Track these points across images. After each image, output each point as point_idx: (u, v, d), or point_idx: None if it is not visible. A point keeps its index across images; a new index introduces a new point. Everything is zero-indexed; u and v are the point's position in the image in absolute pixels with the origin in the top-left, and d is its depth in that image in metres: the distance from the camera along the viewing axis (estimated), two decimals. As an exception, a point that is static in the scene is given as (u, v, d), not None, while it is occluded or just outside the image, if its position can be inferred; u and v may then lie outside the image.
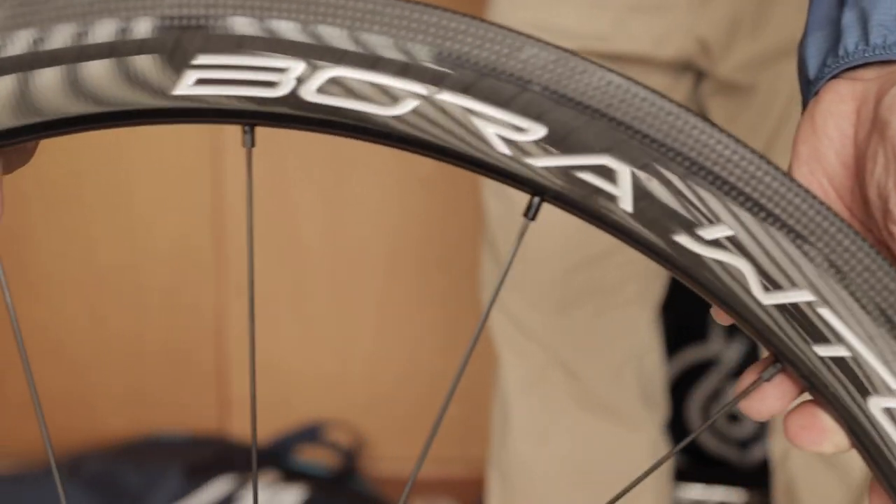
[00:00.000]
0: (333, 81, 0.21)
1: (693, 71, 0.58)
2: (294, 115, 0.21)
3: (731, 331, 0.91)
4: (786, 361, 0.22)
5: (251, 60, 0.21)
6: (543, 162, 0.21)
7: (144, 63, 0.21)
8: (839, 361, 0.21)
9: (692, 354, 0.92)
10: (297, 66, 0.21)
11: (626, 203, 0.21)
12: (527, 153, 0.21)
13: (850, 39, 0.25)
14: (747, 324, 0.22)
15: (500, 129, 0.21)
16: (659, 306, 0.66)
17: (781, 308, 0.21)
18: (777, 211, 0.21)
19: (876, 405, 0.22)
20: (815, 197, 0.21)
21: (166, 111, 0.22)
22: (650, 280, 0.64)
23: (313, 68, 0.21)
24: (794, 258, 0.21)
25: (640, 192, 0.21)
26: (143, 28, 0.21)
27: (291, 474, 0.88)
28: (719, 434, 0.92)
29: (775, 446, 0.64)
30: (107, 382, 0.97)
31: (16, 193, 0.91)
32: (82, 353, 0.96)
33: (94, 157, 0.94)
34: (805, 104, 0.26)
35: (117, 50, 0.21)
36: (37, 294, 0.94)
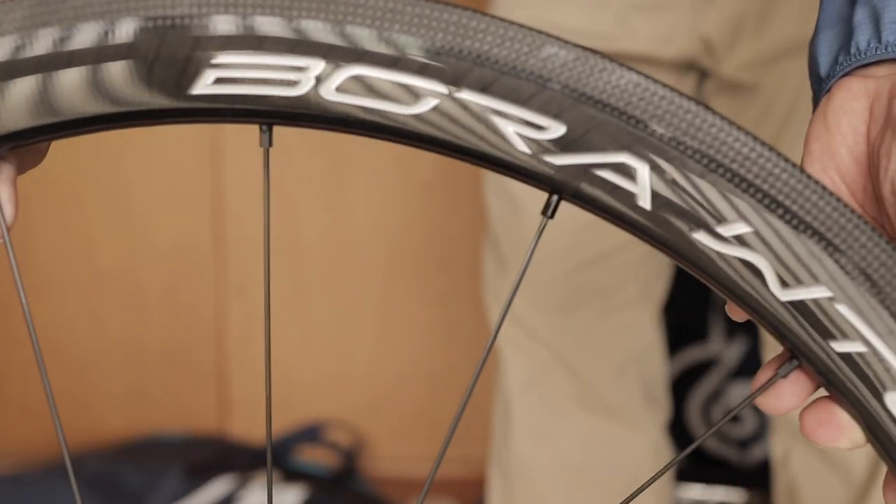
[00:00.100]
0: (353, 80, 0.21)
1: (696, 70, 0.58)
2: (313, 114, 0.21)
3: (731, 331, 0.91)
4: (802, 358, 0.22)
5: (271, 59, 0.21)
6: (562, 160, 0.21)
7: (162, 63, 0.21)
8: (856, 357, 0.22)
9: (692, 354, 0.92)
10: (317, 65, 0.21)
11: (645, 201, 0.21)
12: (546, 151, 0.21)
13: (863, 37, 0.25)
14: (763, 320, 0.22)
15: (519, 127, 0.21)
16: (661, 306, 0.66)
17: (799, 304, 0.22)
18: (794, 208, 0.21)
19: (893, 400, 0.22)
20: (832, 194, 0.21)
21: (184, 111, 0.22)
22: (652, 280, 0.64)
23: (333, 67, 0.21)
24: (812, 254, 0.21)
25: (658, 190, 0.21)
26: (162, 27, 0.21)
27: (291, 474, 0.88)
28: (719, 434, 0.92)
29: (776, 446, 0.64)
30: (106, 382, 0.97)
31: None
32: (82, 353, 0.96)
33: (94, 157, 0.94)
34: (816, 102, 0.26)
35: (136, 50, 0.21)
36: (36, 294, 0.93)
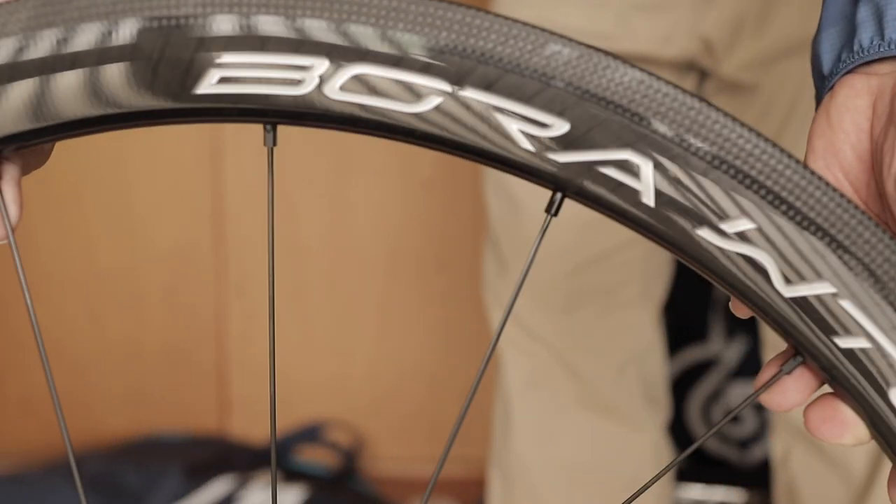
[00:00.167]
0: (356, 79, 0.21)
1: (696, 70, 0.58)
2: (317, 113, 0.21)
3: (731, 331, 0.92)
4: (806, 354, 0.22)
5: (274, 59, 0.21)
6: (566, 157, 0.21)
7: (167, 63, 0.21)
8: (860, 353, 0.22)
9: (692, 354, 0.92)
10: (321, 64, 0.21)
11: (649, 198, 0.21)
12: (550, 149, 0.21)
13: (865, 34, 0.25)
14: (768, 317, 0.22)
15: (523, 125, 0.21)
16: (661, 306, 0.66)
17: (802, 300, 0.22)
18: (798, 204, 0.21)
19: (897, 397, 0.22)
20: (835, 189, 0.21)
21: (188, 111, 0.22)
22: (652, 280, 0.64)
23: (337, 66, 0.21)
24: (816, 250, 0.21)
25: (661, 187, 0.21)
26: (167, 27, 0.21)
27: (291, 474, 0.88)
28: (719, 434, 0.92)
29: (776, 446, 0.64)
30: (107, 382, 0.96)
31: (14, 193, 0.90)
32: (82, 352, 0.96)
33: (95, 157, 0.94)
34: (819, 99, 0.26)
35: (140, 50, 0.21)
36: (37, 294, 0.93)
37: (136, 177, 0.95)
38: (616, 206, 0.22)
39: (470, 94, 0.21)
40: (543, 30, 0.21)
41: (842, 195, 0.21)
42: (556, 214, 0.22)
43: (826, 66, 0.26)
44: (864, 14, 0.25)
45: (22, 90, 0.21)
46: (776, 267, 0.21)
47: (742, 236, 0.21)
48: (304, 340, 0.97)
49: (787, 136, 0.57)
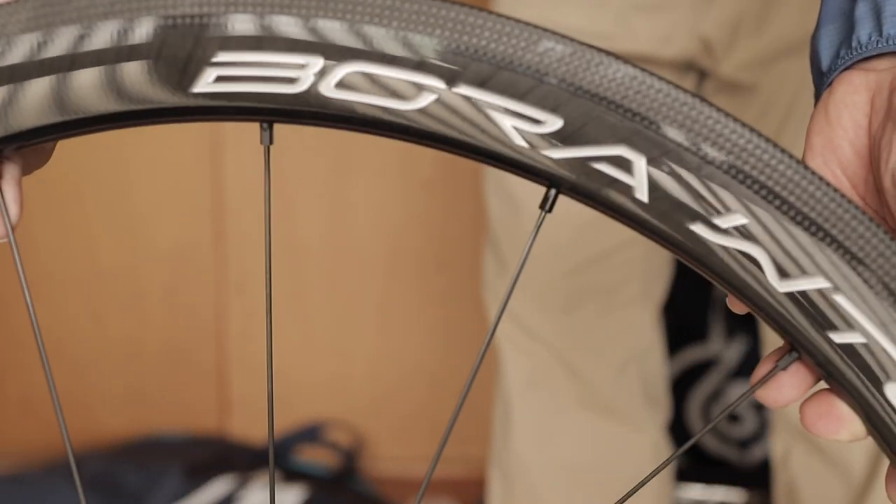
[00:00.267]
0: (351, 77, 0.21)
1: (696, 70, 0.58)
2: (312, 111, 0.22)
3: (731, 331, 0.91)
4: (801, 350, 0.22)
5: (270, 57, 0.21)
6: (560, 153, 0.21)
7: (165, 62, 0.21)
8: (855, 348, 0.22)
9: (692, 354, 0.92)
10: (316, 62, 0.21)
11: (642, 193, 0.21)
12: (543, 145, 0.21)
13: (864, 31, 0.25)
14: (763, 312, 0.22)
15: (516, 121, 0.21)
16: (661, 306, 0.66)
17: (797, 295, 0.22)
18: (791, 199, 0.21)
19: (892, 391, 0.22)
20: (829, 184, 0.21)
21: (186, 109, 0.22)
22: (652, 280, 0.64)
23: (332, 64, 0.21)
24: (809, 245, 0.21)
25: (655, 182, 0.21)
26: (162, 27, 0.21)
27: (291, 474, 0.88)
28: (719, 434, 0.92)
29: (776, 446, 0.64)
30: (106, 382, 0.97)
31: (15, 193, 0.90)
32: (82, 352, 0.96)
33: (94, 156, 0.94)
34: (818, 96, 0.26)
35: (137, 50, 0.21)
36: (37, 293, 0.93)
37: (137, 176, 0.95)
38: (610, 202, 0.22)
39: (464, 91, 0.21)
40: (536, 27, 0.21)
41: (835, 190, 0.21)
42: (550, 211, 0.22)
43: (825, 62, 0.26)
44: (862, 10, 0.25)
45: (36, 89, 0.21)
46: (770, 262, 0.21)
47: (736, 231, 0.21)
48: (304, 340, 0.97)
49: (786, 136, 0.57)
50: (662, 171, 0.21)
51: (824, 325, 0.22)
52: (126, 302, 0.96)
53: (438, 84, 0.21)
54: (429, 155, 0.90)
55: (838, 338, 0.22)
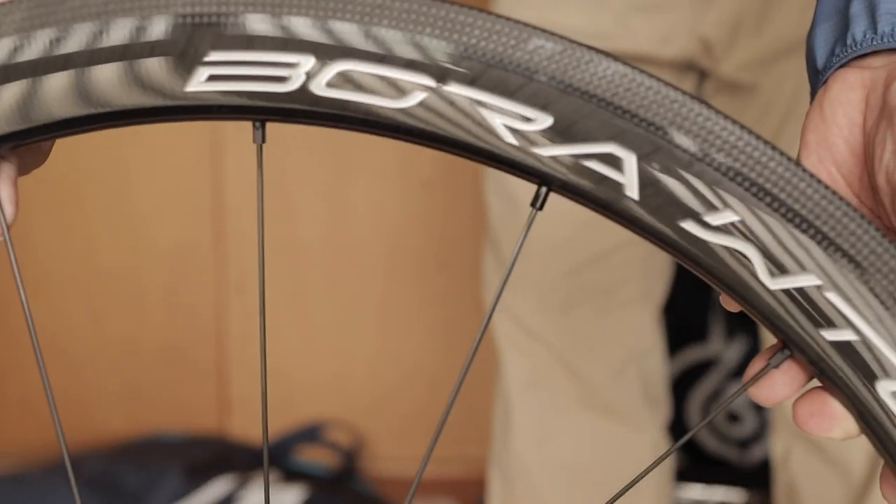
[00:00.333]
0: (342, 75, 0.21)
1: (696, 70, 0.58)
2: (304, 109, 0.22)
3: (731, 331, 0.91)
4: (794, 347, 0.22)
5: (262, 56, 0.21)
6: (550, 151, 0.21)
7: (157, 61, 0.21)
8: (847, 346, 0.22)
9: (692, 354, 0.92)
10: (307, 61, 0.21)
11: (633, 191, 0.21)
12: (534, 143, 0.21)
13: (859, 28, 0.25)
14: (755, 310, 0.22)
15: (507, 119, 0.21)
16: (661, 306, 0.66)
17: (788, 293, 0.22)
18: (783, 195, 0.21)
19: (885, 389, 0.22)
20: (820, 182, 0.21)
21: (179, 108, 0.22)
22: (652, 280, 0.64)
23: (322, 63, 0.21)
24: (801, 242, 0.21)
25: (645, 180, 0.21)
26: (157, 27, 0.21)
27: (291, 474, 0.88)
28: (719, 434, 0.92)
29: (776, 446, 0.64)
30: (106, 382, 0.97)
31: (16, 193, 0.91)
32: (82, 352, 0.96)
33: (94, 156, 0.94)
34: (814, 94, 0.26)
35: (131, 50, 0.21)
36: (36, 293, 0.94)
37: (137, 176, 0.96)
38: (601, 199, 0.22)
39: (454, 89, 0.21)
40: (527, 24, 0.21)
41: (826, 187, 0.21)
42: (541, 208, 0.22)
43: (820, 60, 0.26)
44: (857, 8, 0.25)
45: (14, 90, 0.21)
46: (761, 259, 0.21)
47: (726, 229, 0.21)
48: (304, 340, 0.97)
49: (785, 136, 0.57)
50: (653, 168, 0.21)
51: (816, 322, 0.22)
52: (125, 302, 0.96)
53: (429, 82, 0.21)
54: (429, 155, 0.90)
55: (830, 335, 0.22)
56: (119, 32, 0.21)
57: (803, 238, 0.21)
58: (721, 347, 0.92)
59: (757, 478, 0.87)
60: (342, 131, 0.22)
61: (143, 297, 0.96)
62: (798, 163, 0.21)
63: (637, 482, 0.24)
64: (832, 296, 0.21)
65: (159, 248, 0.96)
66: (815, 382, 0.23)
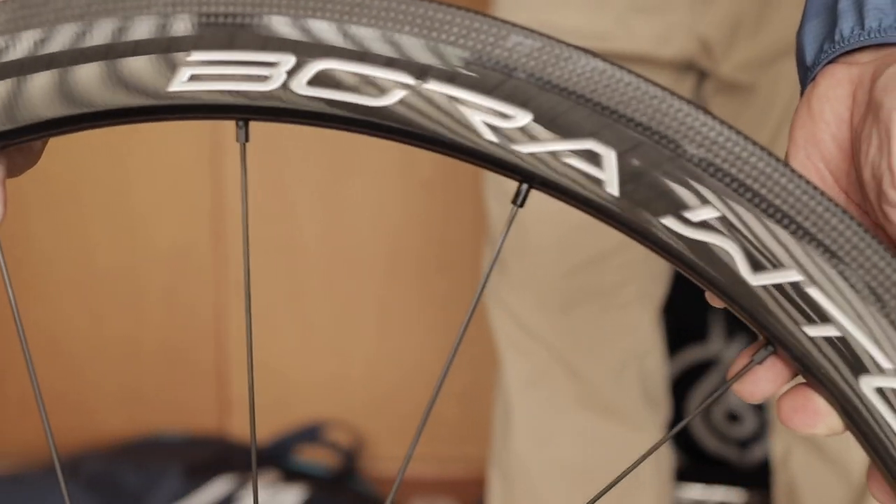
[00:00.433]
0: (322, 74, 0.21)
1: (695, 71, 0.58)
2: (286, 108, 0.22)
3: (731, 331, 0.91)
4: (777, 343, 0.22)
5: (242, 55, 0.21)
6: (530, 148, 0.21)
7: (140, 61, 0.21)
8: (829, 342, 0.22)
9: (692, 354, 0.92)
10: (288, 60, 0.21)
11: (613, 187, 0.21)
12: (513, 140, 0.21)
13: (846, 24, 0.25)
14: (737, 306, 0.22)
15: (486, 116, 0.21)
16: (661, 306, 0.66)
17: (770, 289, 0.21)
18: (763, 191, 0.21)
19: (868, 385, 0.22)
20: (801, 176, 0.21)
21: (162, 108, 0.22)
22: (651, 280, 0.64)
23: (303, 62, 0.21)
24: (781, 238, 0.21)
25: (625, 176, 0.21)
26: (139, 28, 0.21)
27: (291, 474, 0.88)
28: (719, 434, 0.91)
29: (776, 446, 0.63)
30: (105, 382, 0.97)
31: (14, 193, 0.91)
32: (81, 352, 0.97)
33: (94, 156, 0.94)
34: (803, 91, 0.26)
35: (114, 50, 0.21)
36: (35, 293, 0.94)
37: (136, 176, 0.96)
38: (581, 195, 0.22)
39: (433, 86, 0.21)
40: (505, 22, 0.21)
41: (808, 182, 0.21)
42: (522, 205, 0.22)
43: (809, 57, 0.26)
44: (844, 4, 0.25)
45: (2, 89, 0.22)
46: (742, 255, 0.21)
47: (707, 225, 0.21)
48: (303, 341, 0.97)
49: (784, 136, 0.56)
50: (633, 164, 0.21)
51: (798, 318, 0.22)
52: (125, 302, 0.97)
53: (408, 80, 0.21)
54: (429, 156, 0.90)
55: (813, 331, 0.22)
56: (102, 32, 0.21)
57: (784, 233, 0.21)
58: (721, 347, 0.92)
59: (757, 478, 0.86)
60: (341, 131, 0.22)
61: (142, 298, 0.97)
62: (779, 158, 0.21)
63: (625, 476, 0.24)
64: (814, 291, 0.21)
65: (158, 248, 0.96)
66: (801, 378, 0.23)
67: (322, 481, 0.88)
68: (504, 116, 0.21)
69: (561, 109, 0.21)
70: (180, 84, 0.22)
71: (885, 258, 0.21)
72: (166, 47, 0.21)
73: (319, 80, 0.21)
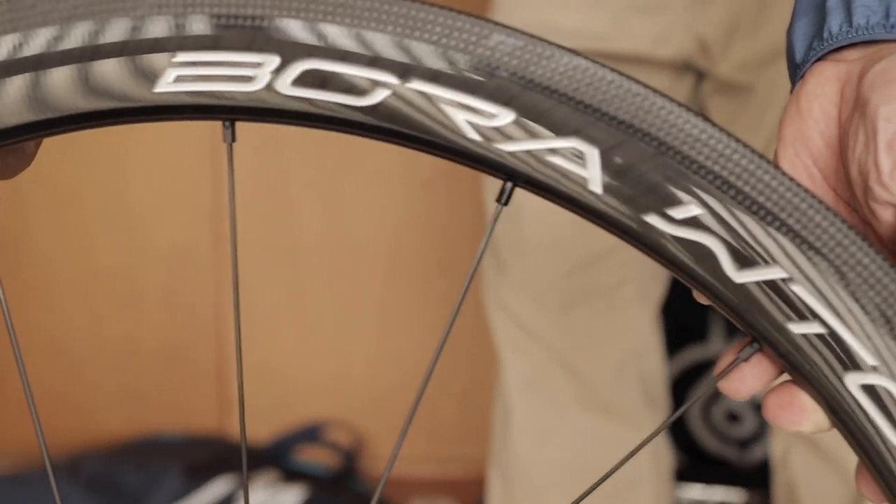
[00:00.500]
0: (306, 74, 0.21)
1: (693, 71, 0.58)
2: (271, 108, 0.22)
3: (731, 331, 0.91)
4: (762, 340, 0.22)
5: (227, 56, 0.21)
6: (513, 146, 0.21)
7: (126, 62, 0.21)
8: (814, 339, 0.21)
9: (692, 354, 0.92)
10: (272, 61, 0.21)
11: (596, 185, 0.21)
12: (496, 138, 0.21)
13: (835, 21, 0.25)
14: (722, 303, 0.22)
15: (469, 115, 0.21)
16: (659, 306, 0.66)
17: (754, 286, 0.21)
18: (746, 188, 0.21)
19: (853, 382, 0.22)
20: (784, 174, 0.21)
21: (149, 109, 0.22)
22: (650, 280, 0.64)
23: (287, 62, 0.21)
24: (765, 235, 0.21)
25: (608, 174, 0.21)
26: (119, 29, 0.21)
27: (291, 474, 0.88)
28: (719, 434, 0.91)
29: (776, 446, 0.63)
30: (105, 382, 0.98)
31: (14, 193, 0.92)
32: (81, 352, 0.97)
33: (94, 156, 0.95)
34: (793, 89, 0.26)
35: (99, 51, 0.21)
36: (35, 294, 0.94)
37: (136, 176, 0.96)
38: (564, 193, 0.22)
39: (416, 86, 0.21)
40: (487, 20, 0.21)
41: (791, 178, 0.21)
42: (506, 204, 0.22)
43: (798, 54, 0.26)
44: (833, 2, 0.25)
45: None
46: (726, 252, 0.21)
47: (690, 222, 0.21)
48: (303, 341, 0.98)
49: (782, 136, 0.56)
50: (616, 162, 0.21)
51: (783, 315, 0.22)
52: (125, 302, 0.97)
53: (391, 80, 0.21)
54: (429, 157, 0.90)
55: (797, 328, 0.22)
56: (83, 35, 0.21)
57: (768, 230, 0.21)
58: (721, 347, 0.91)
59: (757, 478, 0.86)
60: (328, 131, 0.23)
61: (142, 298, 0.97)
62: (762, 155, 0.21)
63: (615, 472, 0.24)
64: (798, 288, 0.21)
65: (158, 248, 0.96)
66: (787, 375, 0.23)
67: (322, 481, 0.89)
68: (487, 115, 0.21)
69: (543, 108, 0.21)
70: (166, 85, 0.22)
71: (869, 254, 0.21)
72: (151, 48, 0.21)
73: (304, 80, 0.21)
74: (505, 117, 0.21)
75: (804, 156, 0.25)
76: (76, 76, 0.22)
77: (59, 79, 0.22)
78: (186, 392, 0.97)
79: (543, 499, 0.65)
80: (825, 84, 0.25)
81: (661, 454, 0.66)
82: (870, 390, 0.22)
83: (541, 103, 0.21)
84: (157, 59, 0.21)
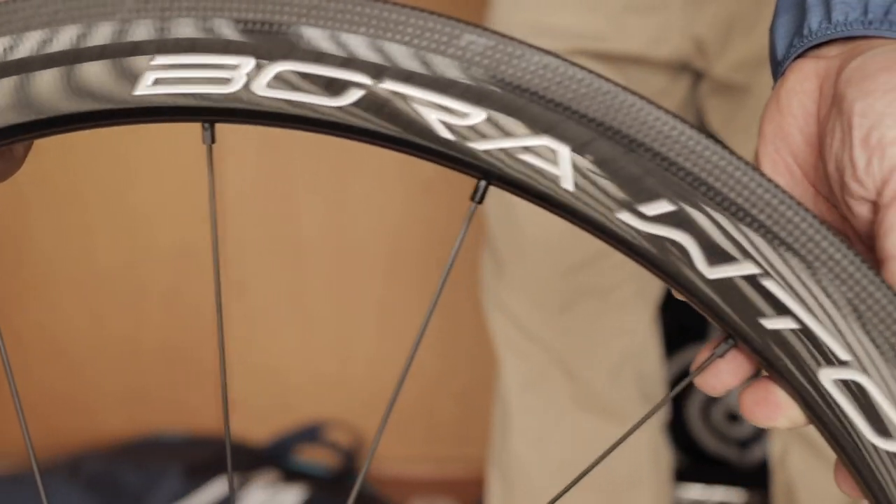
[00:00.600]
0: (281, 75, 0.22)
1: (690, 71, 0.58)
2: (249, 109, 0.22)
3: (732, 329, 0.90)
4: (737, 337, 0.22)
5: (204, 59, 0.22)
6: (485, 145, 0.22)
7: (106, 65, 0.22)
8: (787, 334, 0.22)
9: (692, 354, 0.91)
10: (248, 63, 0.22)
11: (568, 182, 0.22)
12: (469, 137, 0.22)
13: (814, 18, 0.25)
14: (696, 299, 0.22)
15: (442, 114, 0.22)
16: (657, 306, 0.66)
17: (727, 282, 0.22)
18: (717, 185, 0.21)
19: (827, 377, 0.22)
20: (755, 169, 0.21)
21: (129, 111, 0.22)
22: (648, 281, 0.64)
23: (262, 64, 0.22)
24: (736, 231, 0.21)
25: (580, 171, 0.21)
26: (103, 32, 0.22)
27: (291, 474, 0.89)
28: (719, 434, 0.91)
29: (774, 446, 0.63)
30: (106, 382, 0.98)
31: (14, 193, 0.93)
32: (81, 352, 0.98)
33: (94, 156, 0.95)
34: (775, 86, 0.27)
35: (81, 54, 0.22)
36: (35, 294, 0.95)
37: (136, 176, 0.97)
38: (537, 191, 0.22)
39: (389, 86, 0.21)
40: (459, 20, 0.21)
41: (762, 174, 0.21)
42: (481, 202, 0.23)
43: (779, 52, 0.26)
44: None
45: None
46: (698, 248, 0.22)
47: (661, 219, 0.22)
48: (304, 341, 0.98)
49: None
50: (587, 159, 0.21)
51: (756, 311, 0.22)
52: (125, 302, 0.98)
53: (364, 80, 0.22)
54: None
55: (770, 324, 0.22)
56: (66, 39, 0.22)
57: (739, 227, 0.21)
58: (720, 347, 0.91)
59: (756, 478, 0.86)
60: (304, 132, 0.23)
61: (142, 298, 0.98)
62: (733, 151, 0.21)
63: (590, 471, 0.24)
64: (770, 284, 0.21)
65: (159, 248, 0.97)
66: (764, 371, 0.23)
67: (322, 481, 0.89)
68: (460, 114, 0.21)
69: (515, 106, 0.21)
70: (145, 88, 0.22)
71: (841, 250, 0.21)
72: (130, 51, 0.22)
73: (279, 81, 0.22)
74: (477, 116, 0.21)
75: (784, 152, 0.25)
76: (61, 78, 0.22)
77: (45, 81, 0.22)
78: (187, 392, 0.98)
79: (543, 499, 0.65)
80: (805, 80, 0.25)
81: (661, 454, 0.66)
82: (843, 385, 0.22)
83: (512, 102, 0.21)
84: (136, 61, 0.22)
